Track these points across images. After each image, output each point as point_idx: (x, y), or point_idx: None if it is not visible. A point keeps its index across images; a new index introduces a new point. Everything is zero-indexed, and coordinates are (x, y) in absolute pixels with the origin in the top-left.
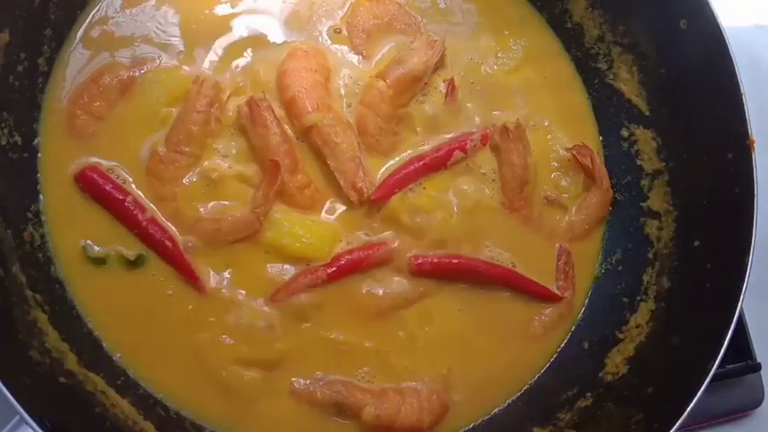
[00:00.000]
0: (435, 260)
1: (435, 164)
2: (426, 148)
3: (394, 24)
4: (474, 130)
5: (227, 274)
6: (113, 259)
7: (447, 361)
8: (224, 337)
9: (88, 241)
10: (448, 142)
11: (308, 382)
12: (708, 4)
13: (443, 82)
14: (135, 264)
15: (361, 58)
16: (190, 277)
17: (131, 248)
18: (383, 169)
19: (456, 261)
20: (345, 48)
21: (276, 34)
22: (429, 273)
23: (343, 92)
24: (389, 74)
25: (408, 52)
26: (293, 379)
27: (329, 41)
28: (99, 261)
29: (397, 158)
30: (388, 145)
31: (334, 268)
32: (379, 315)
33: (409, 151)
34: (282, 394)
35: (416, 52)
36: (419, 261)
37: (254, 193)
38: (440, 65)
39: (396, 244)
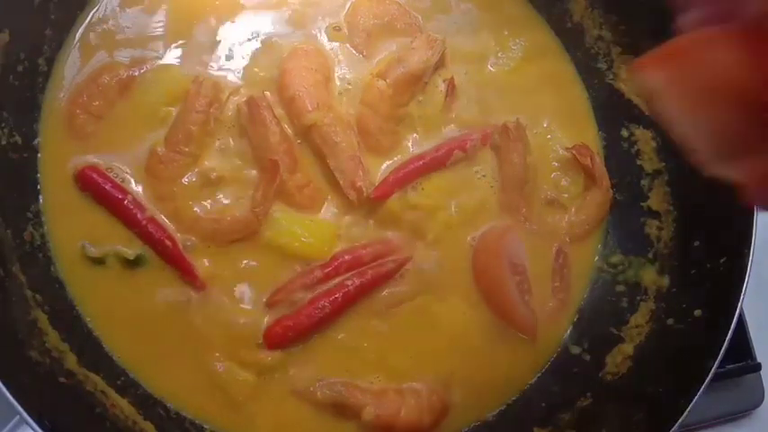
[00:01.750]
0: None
1: (435, 163)
2: (426, 147)
3: (394, 24)
4: (474, 129)
5: (225, 274)
6: (113, 259)
7: (448, 362)
8: (223, 337)
9: (87, 241)
10: (448, 142)
11: (307, 381)
12: None
13: (443, 81)
14: (134, 263)
15: (361, 57)
16: (189, 277)
17: (131, 248)
18: (382, 168)
19: (316, 311)
20: (345, 47)
21: (276, 33)
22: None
23: (342, 91)
24: (389, 73)
25: (408, 51)
26: (293, 380)
27: (329, 41)
28: (98, 261)
29: (396, 158)
30: (388, 144)
31: (330, 268)
32: (379, 314)
33: (409, 151)
34: (283, 394)
35: (416, 51)
36: (274, 333)
37: (254, 193)
38: (440, 64)
39: (395, 243)
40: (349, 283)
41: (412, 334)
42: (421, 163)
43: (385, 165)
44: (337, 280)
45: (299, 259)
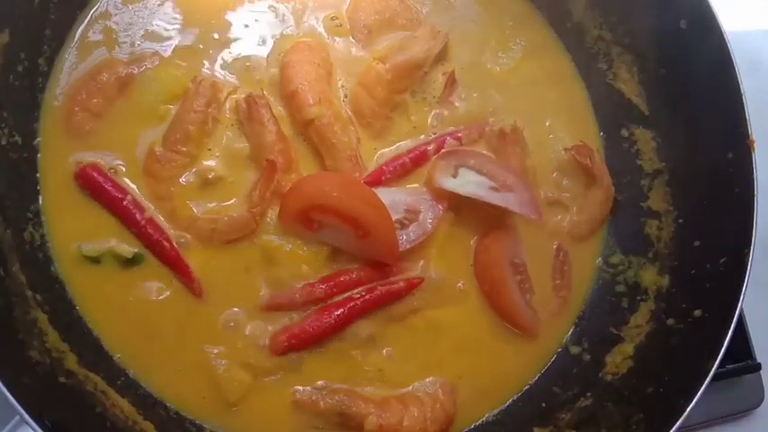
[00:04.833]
0: (296, 332)
1: (429, 154)
2: (421, 138)
3: (396, 20)
4: (469, 125)
5: (221, 274)
6: (111, 258)
7: (452, 368)
8: (221, 339)
9: (85, 241)
10: (441, 135)
11: (309, 390)
12: (708, 5)
13: (443, 75)
14: (132, 262)
15: (362, 53)
16: (186, 278)
17: (130, 247)
18: (375, 158)
19: (322, 321)
20: (347, 42)
21: (277, 30)
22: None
23: (343, 86)
24: (390, 58)
25: (411, 40)
26: (295, 387)
27: (331, 36)
28: (94, 260)
29: (394, 146)
30: (380, 128)
31: (332, 283)
32: (381, 322)
33: (405, 142)
34: (281, 400)
35: (419, 40)
36: (279, 341)
37: (251, 193)
38: (441, 57)
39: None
40: (357, 297)
41: (415, 340)
42: (414, 154)
43: (379, 153)
44: (345, 295)
45: (292, 267)
